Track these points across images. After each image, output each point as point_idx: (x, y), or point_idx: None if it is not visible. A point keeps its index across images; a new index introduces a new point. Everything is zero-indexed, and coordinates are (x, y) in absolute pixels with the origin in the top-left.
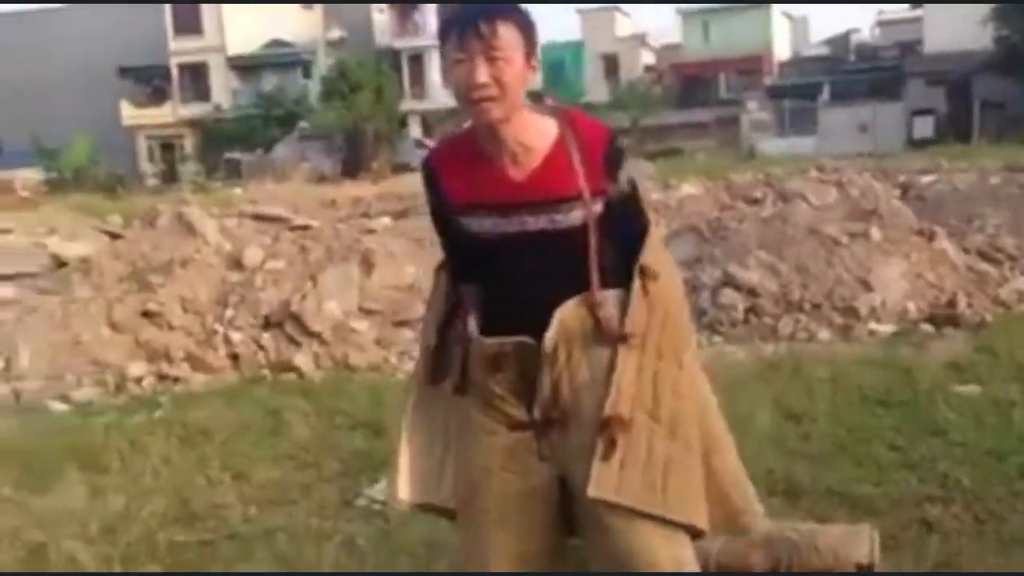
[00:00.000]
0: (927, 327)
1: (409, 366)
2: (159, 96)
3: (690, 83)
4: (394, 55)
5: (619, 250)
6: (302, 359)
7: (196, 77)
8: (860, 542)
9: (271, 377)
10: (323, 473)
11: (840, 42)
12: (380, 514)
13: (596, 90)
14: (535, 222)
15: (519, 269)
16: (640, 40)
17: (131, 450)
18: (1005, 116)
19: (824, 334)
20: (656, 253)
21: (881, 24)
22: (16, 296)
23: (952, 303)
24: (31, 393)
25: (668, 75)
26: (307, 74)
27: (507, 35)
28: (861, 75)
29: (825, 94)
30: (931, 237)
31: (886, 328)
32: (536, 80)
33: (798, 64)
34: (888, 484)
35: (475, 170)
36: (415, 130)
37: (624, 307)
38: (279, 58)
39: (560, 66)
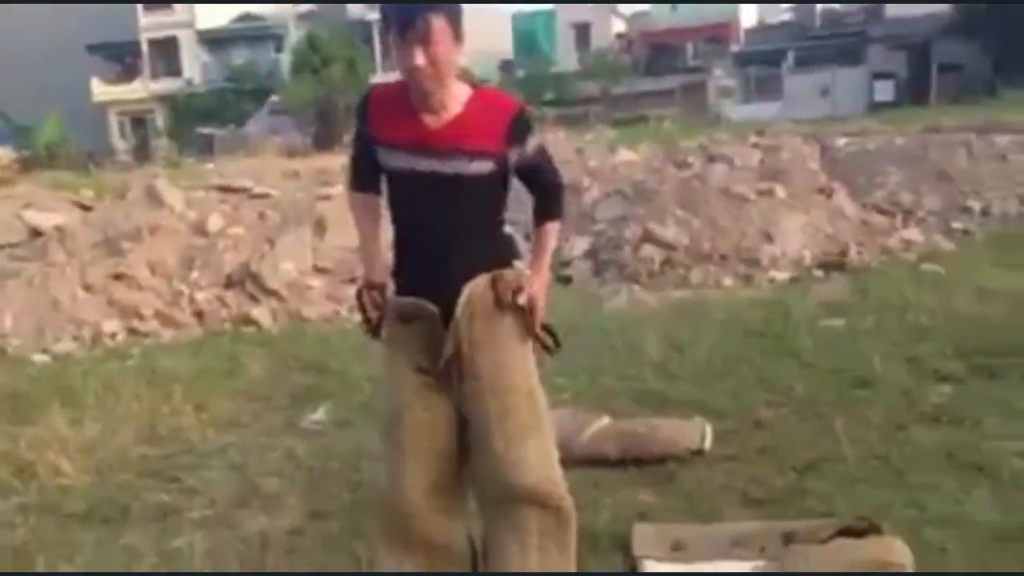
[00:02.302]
0: (818, 273)
1: (357, 317)
2: (129, 72)
3: (658, 51)
4: (365, 27)
5: (536, 198)
6: (260, 313)
7: (166, 52)
8: (693, 432)
9: (232, 330)
10: (273, 404)
11: (807, 8)
12: (320, 433)
13: (568, 59)
14: (442, 166)
15: (428, 205)
16: (611, 9)
17: (105, 390)
18: (963, 78)
19: (729, 281)
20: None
21: None
22: None
23: (844, 252)
24: (15, 349)
25: (637, 43)
26: (278, 48)
27: (438, 26)
28: (825, 41)
29: (790, 60)
30: (830, 194)
31: (783, 275)
32: (462, 55)
33: (764, 31)
34: (740, 396)
35: (401, 116)
36: None
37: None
38: (249, 32)
39: (532, 36)
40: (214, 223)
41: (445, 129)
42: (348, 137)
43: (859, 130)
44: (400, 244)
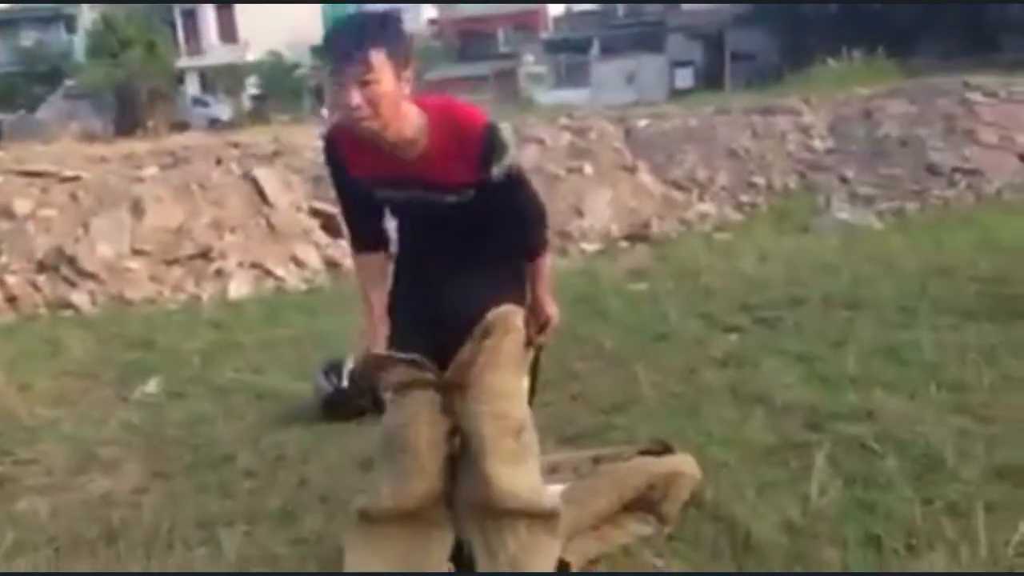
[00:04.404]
0: (624, 244)
1: (181, 297)
2: None
3: (470, 38)
4: (166, 9)
5: (511, 228)
6: (78, 297)
7: None
8: None
9: (49, 314)
10: (101, 380)
11: None
12: (153, 404)
13: None
14: (427, 196)
15: (427, 229)
16: None
17: None
18: (755, 66)
19: None
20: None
21: None
22: None
23: (647, 224)
24: None
25: (448, 30)
26: (71, 29)
27: (376, 61)
28: (627, 29)
29: (596, 48)
30: (633, 170)
31: (593, 247)
32: (407, 86)
33: (570, 19)
34: (556, 353)
35: (373, 153)
36: (193, 87)
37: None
38: (38, 12)
39: None
40: (21, 206)
41: (419, 163)
42: (151, 122)
43: (659, 113)
44: (401, 270)
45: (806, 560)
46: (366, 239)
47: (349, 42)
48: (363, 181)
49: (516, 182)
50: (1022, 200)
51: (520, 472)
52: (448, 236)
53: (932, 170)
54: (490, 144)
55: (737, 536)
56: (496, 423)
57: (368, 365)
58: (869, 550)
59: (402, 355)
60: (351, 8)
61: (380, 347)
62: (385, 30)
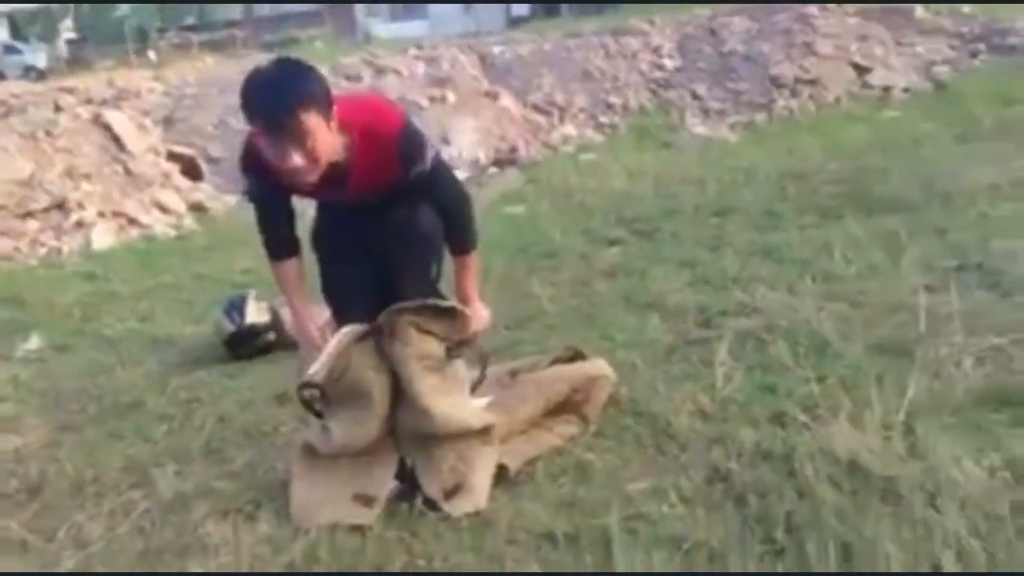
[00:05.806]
0: (494, 169)
1: (41, 252)
2: None
3: None
4: None
5: (444, 224)
6: None
7: None
8: None
9: None
10: None
11: None
12: (39, 360)
13: None
14: (355, 198)
15: (353, 222)
16: None
17: None
18: None
19: None
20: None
21: None
22: None
23: (513, 149)
24: None
25: None
26: None
27: (312, 122)
28: None
29: None
30: (496, 97)
31: (463, 174)
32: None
33: None
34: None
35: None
36: (2, 34)
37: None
38: None
39: None
40: None
41: (345, 176)
42: None
43: (509, 39)
44: (328, 238)
45: (723, 441)
46: (280, 248)
47: (276, 106)
48: (285, 188)
49: (436, 178)
50: (859, 107)
51: (449, 402)
52: (375, 212)
53: (776, 82)
54: (407, 149)
55: (657, 427)
56: (421, 363)
57: (312, 387)
58: (777, 426)
59: (329, 361)
60: None
61: (316, 347)
62: (307, 84)
